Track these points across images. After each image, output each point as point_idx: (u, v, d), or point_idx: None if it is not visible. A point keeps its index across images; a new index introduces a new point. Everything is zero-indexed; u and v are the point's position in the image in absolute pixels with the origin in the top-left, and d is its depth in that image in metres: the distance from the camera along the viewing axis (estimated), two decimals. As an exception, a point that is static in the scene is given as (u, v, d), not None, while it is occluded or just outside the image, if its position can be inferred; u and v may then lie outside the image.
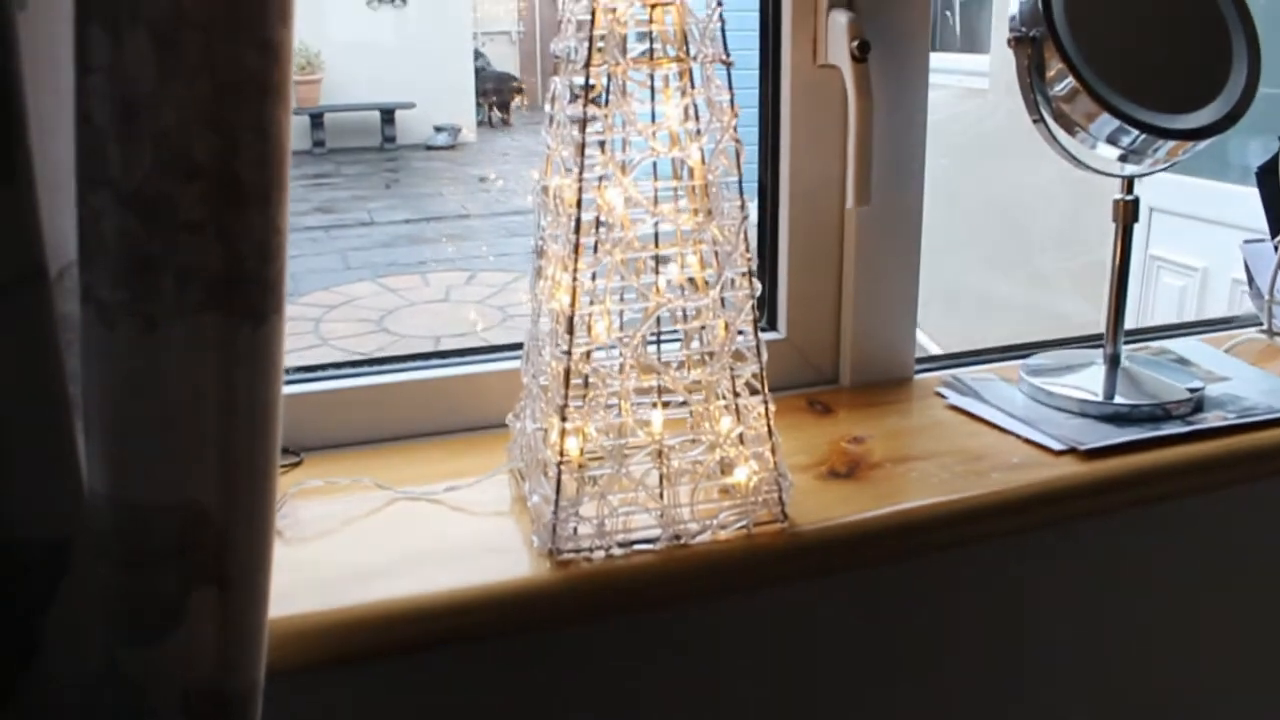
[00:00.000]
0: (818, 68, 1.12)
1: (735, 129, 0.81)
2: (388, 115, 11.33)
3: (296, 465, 1.03)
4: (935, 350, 4.41)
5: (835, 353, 1.21)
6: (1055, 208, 4.05)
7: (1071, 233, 4.05)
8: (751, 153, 1.09)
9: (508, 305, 6.38)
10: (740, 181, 0.83)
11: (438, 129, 11.50)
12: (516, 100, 13.17)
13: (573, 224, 0.80)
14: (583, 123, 0.78)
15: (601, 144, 0.79)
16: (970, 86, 5.15)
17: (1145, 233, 3.42)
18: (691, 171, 0.82)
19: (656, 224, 0.82)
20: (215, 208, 0.57)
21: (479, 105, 12.39)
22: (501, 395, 1.07)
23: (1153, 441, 1.07)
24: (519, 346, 1.07)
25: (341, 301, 6.45)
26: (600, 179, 0.80)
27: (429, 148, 11.40)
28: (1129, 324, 1.20)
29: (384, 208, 8.95)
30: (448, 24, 11.93)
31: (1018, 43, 1.07)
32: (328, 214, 8.47)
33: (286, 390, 0.65)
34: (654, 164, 0.81)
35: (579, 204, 0.79)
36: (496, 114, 12.92)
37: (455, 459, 1.04)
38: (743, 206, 0.83)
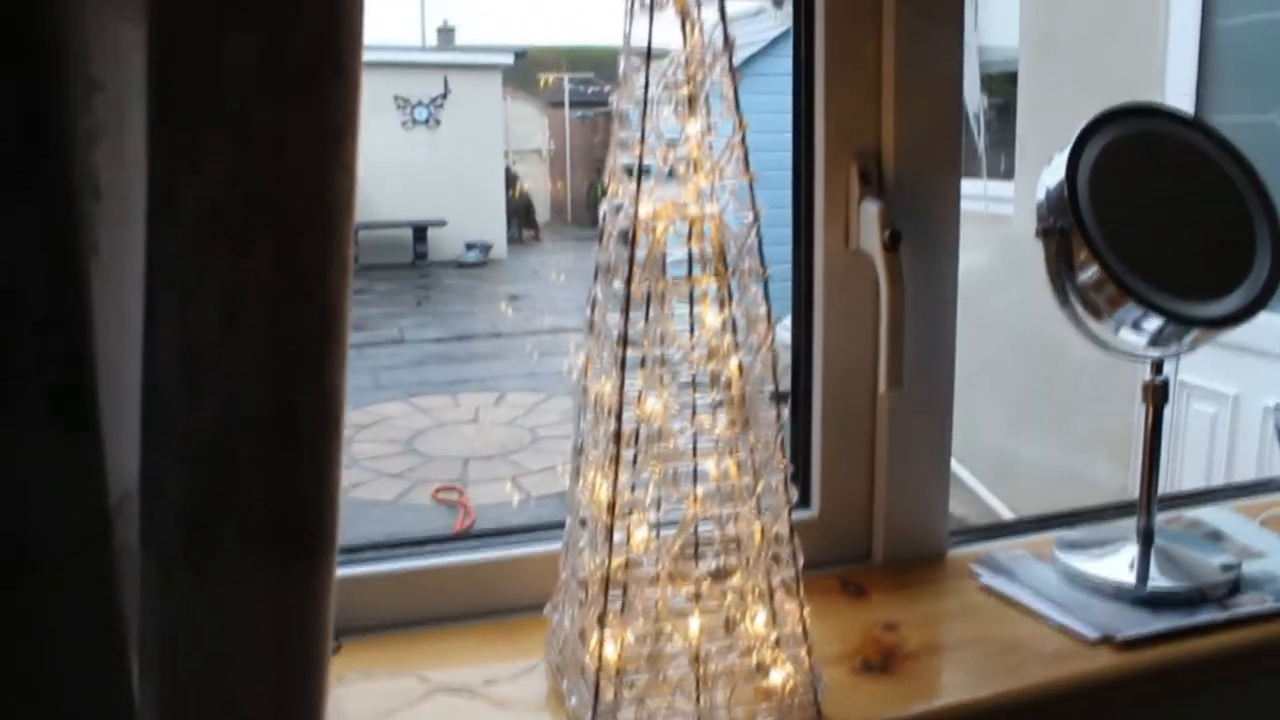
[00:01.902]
0: (850, 252, 1.15)
1: (772, 341, 0.83)
2: (420, 232, 11.54)
3: (337, 651, 1.04)
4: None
5: (868, 530, 1.22)
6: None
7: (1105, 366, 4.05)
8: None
9: (537, 426, 6.41)
10: (777, 390, 0.85)
11: (469, 246, 11.68)
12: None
13: (612, 434, 0.82)
14: (623, 340, 0.81)
15: (642, 360, 0.82)
16: (996, 213, 5.22)
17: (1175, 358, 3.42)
18: (729, 383, 0.84)
19: (694, 434, 0.84)
20: (272, 461, 0.59)
21: (510, 222, 12.60)
22: (539, 579, 1.07)
23: (1190, 630, 1.07)
24: (555, 526, 1.09)
25: (372, 421, 6.50)
26: (639, 392, 0.82)
27: (460, 264, 11.58)
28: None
29: (415, 325, 9.06)
30: (479, 143, 12.20)
31: (1045, 234, 1.10)
32: (360, 331, 8.57)
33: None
34: (693, 375, 0.84)
35: (619, 416, 0.81)
36: (527, 231, 13.11)
37: (493, 646, 1.04)
38: (779, 416, 0.85)
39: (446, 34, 14.88)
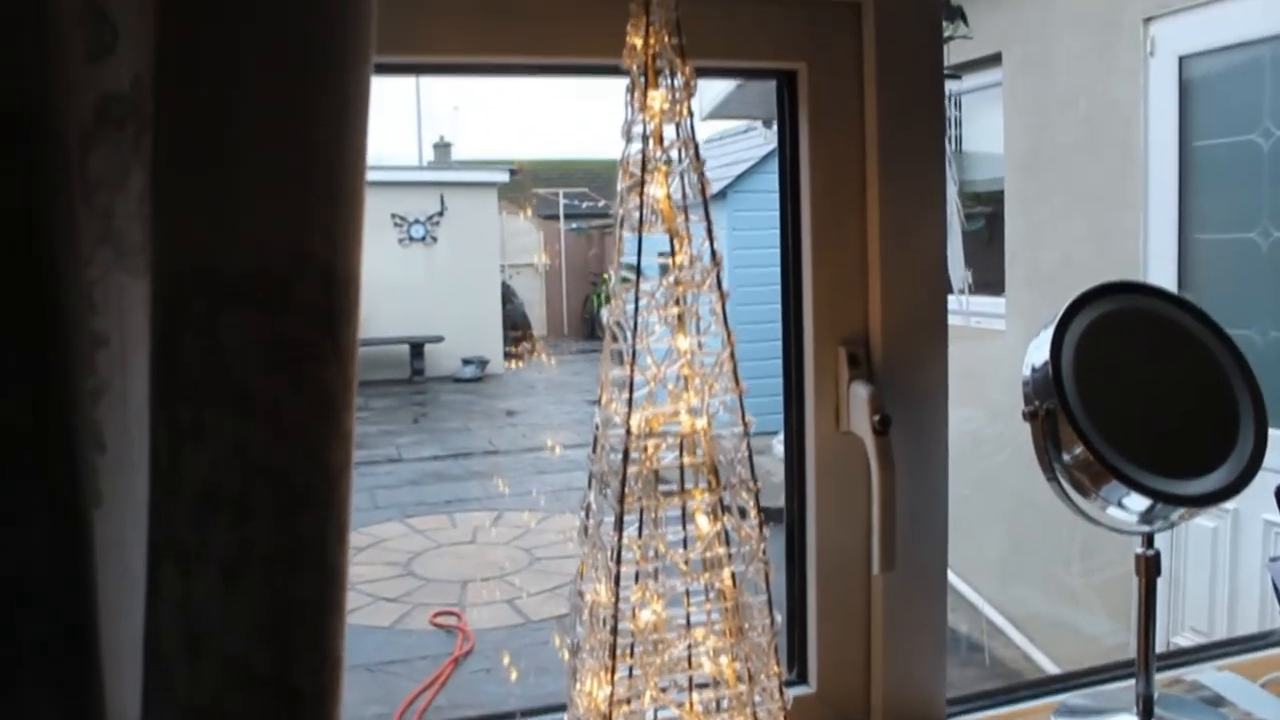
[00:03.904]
0: (841, 434, 1.17)
1: (765, 552, 0.85)
2: (417, 349, 11.62)
3: None
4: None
5: (866, 704, 1.22)
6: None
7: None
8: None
9: (534, 547, 6.38)
10: (770, 598, 0.86)
11: (465, 361, 11.75)
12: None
13: (608, 647, 0.83)
14: (617, 556, 0.82)
15: (636, 575, 0.83)
16: (987, 328, 5.27)
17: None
18: (723, 593, 0.85)
19: (689, 645, 0.85)
20: (272, 716, 0.60)
21: (506, 337, 12.69)
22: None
23: (1192, 813, 1.06)
24: (554, 709, 1.09)
25: (369, 543, 6.47)
26: (634, 605, 0.83)
27: (457, 380, 11.63)
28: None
29: (412, 443, 9.06)
30: (475, 259, 12.35)
31: (1031, 416, 1.12)
32: (357, 449, 8.46)
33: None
34: (687, 588, 0.85)
35: (614, 630, 0.82)
36: (524, 346, 13.19)
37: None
38: (772, 623, 0.86)
39: (443, 149, 15.14)
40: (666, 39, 0.86)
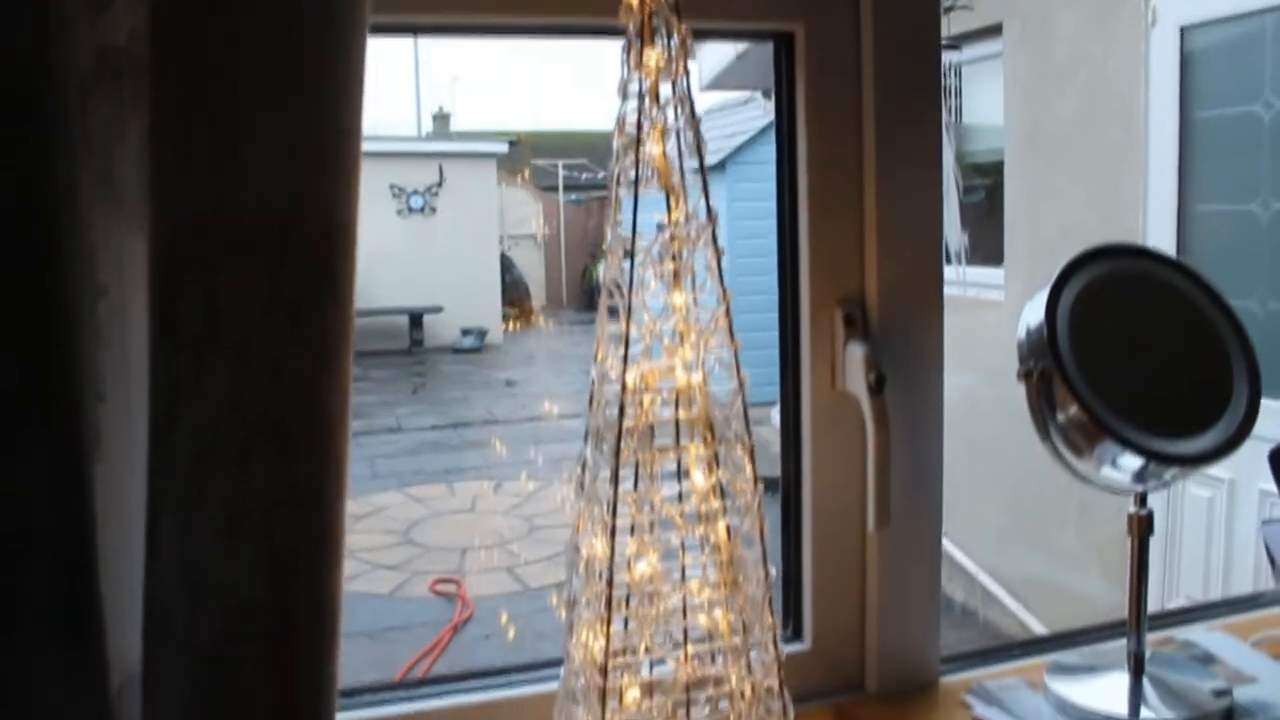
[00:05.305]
0: (837, 393, 1.18)
1: (760, 505, 0.86)
2: (416, 319, 11.62)
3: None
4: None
5: (861, 660, 1.23)
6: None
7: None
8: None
9: (534, 515, 6.41)
10: (765, 551, 0.87)
11: (465, 332, 11.75)
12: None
13: (603, 599, 0.84)
14: (613, 508, 0.83)
15: (632, 527, 0.84)
16: (986, 299, 5.27)
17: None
18: (718, 546, 0.86)
19: (684, 597, 0.86)
20: (272, 661, 0.61)
21: (505, 308, 12.70)
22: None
23: (1181, 767, 1.08)
24: (550, 664, 1.10)
25: (368, 512, 6.50)
26: (630, 557, 0.84)
27: (456, 350, 11.64)
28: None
29: (411, 413, 9.08)
30: (475, 230, 12.34)
31: (1026, 376, 1.12)
32: (356, 419, 8.49)
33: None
34: (682, 540, 0.86)
35: (610, 583, 0.83)
36: (522, 316, 13.20)
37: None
38: (767, 576, 0.87)
39: (441, 120, 15.11)
40: (663, -3, 0.86)
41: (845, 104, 1.16)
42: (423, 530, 6.27)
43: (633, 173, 0.85)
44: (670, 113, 0.86)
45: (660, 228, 0.86)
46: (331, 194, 0.57)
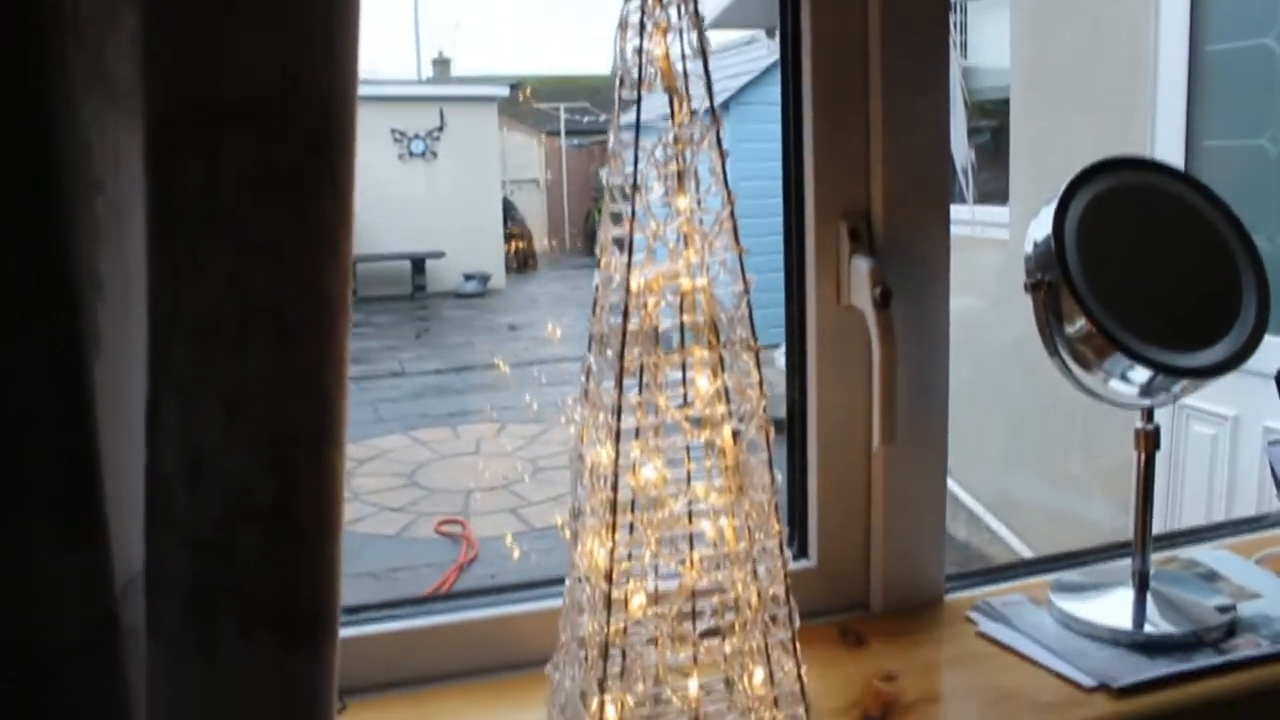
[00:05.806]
0: (842, 308, 1.17)
1: (765, 410, 0.85)
2: (418, 264, 11.59)
3: (343, 710, 1.05)
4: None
5: (866, 579, 1.23)
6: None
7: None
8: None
9: (538, 458, 6.42)
10: (770, 457, 0.86)
11: (467, 277, 11.73)
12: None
13: (609, 504, 0.84)
14: (617, 412, 0.82)
15: (636, 430, 0.83)
16: (992, 238, 5.24)
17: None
18: (723, 450, 0.86)
19: (690, 501, 0.86)
20: (273, 548, 0.60)
21: (508, 252, 12.66)
22: (541, 636, 1.08)
23: (1186, 675, 1.08)
24: (555, 582, 1.10)
25: (373, 455, 6.52)
26: (634, 463, 0.83)
27: (459, 295, 11.63)
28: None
29: (414, 358, 9.09)
30: (477, 175, 12.28)
31: (1033, 288, 1.11)
32: (359, 364, 8.61)
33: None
34: (687, 444, 0.85)
35: (615, 487, 0.83)
36: (525, 260, 13.18)
37: (496, 704, 1.06)
38: (773, 481, 0.86)
39: (442, 65, 14.99)
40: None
41: (851, 11, 1.14)
42: (427, 473, 6.29)
43: (635, 73, 0.84)
44: (673, 11, 0.85)
45: (664, 122, 0.85)
46: (329, 68, 0.56)
